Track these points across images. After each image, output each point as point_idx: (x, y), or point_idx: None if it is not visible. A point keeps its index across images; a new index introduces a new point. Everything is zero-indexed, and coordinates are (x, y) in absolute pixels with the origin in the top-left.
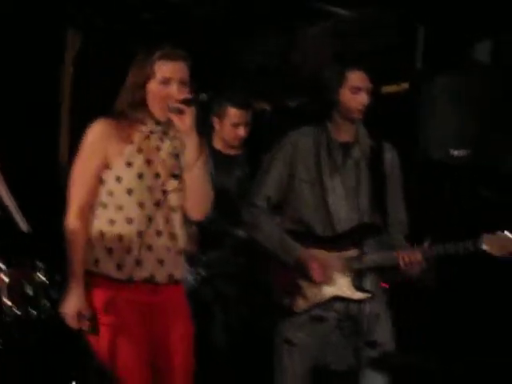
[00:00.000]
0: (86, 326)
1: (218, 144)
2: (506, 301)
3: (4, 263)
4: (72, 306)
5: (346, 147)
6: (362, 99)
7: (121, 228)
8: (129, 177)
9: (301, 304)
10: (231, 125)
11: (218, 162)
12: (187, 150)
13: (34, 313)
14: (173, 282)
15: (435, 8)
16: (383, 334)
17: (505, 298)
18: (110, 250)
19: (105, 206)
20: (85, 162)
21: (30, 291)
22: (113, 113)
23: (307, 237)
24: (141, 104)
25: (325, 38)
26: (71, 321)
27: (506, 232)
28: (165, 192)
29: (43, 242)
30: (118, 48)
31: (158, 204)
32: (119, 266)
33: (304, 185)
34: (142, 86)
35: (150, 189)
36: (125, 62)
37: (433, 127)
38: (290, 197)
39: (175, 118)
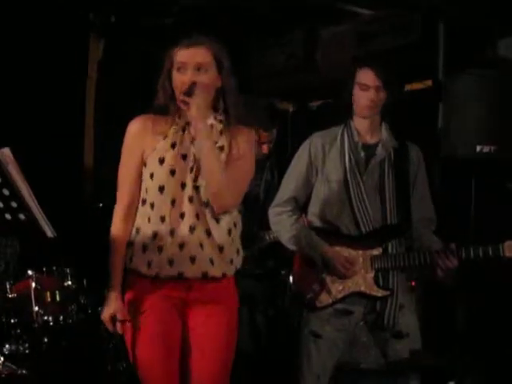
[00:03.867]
0: (120, 329)
1: None
2: None
3: (32, 269)
4: (108, 309)
5: (370, 148)
6: (369, 96)
7: (155, 226)
8: (161, 173)
9: (324, 299)
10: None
11: None
12: (197, 140)
13: (62, 318)
14: (209, 279)
15: (457, 4)
16: (408, 324)
17: None
18: (144, 248)
19: (144, 202)
20: (125, 162)
21: (57, 297)
22: (152, 108)
23: (332, 235)
24: (172, 96)
25: (347, 38)
26: (107, 324)
27: None
28: (197, 187)
29: (71, 247)
30: (140, 52)
31: (190, 200)
32: (149, 264)
33: (329, 185)
34: (168, 78)
35: (183, 184)
36: (147, 66)
37: (458, 123)
38: (315, 196)
39: (185, 108)
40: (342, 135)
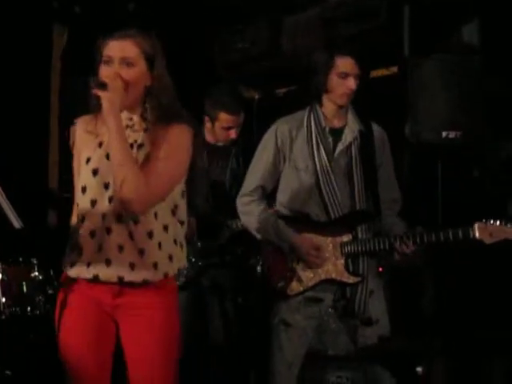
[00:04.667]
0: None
1: (210, 137)
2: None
3: None
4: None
5: (336, 132)
6: (349, 85)
7: (79, 226)
8: (84, 173)
9: (295, 287)
10: (223, 128)
11: (212, 154)
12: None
13: (29, 309)
14: (125, 284)
15: None
16: (377, 310)
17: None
18: (71, 247)
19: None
20: (73, 160)
21: (24, 288)
22: (91, 105)
23: (301, 222)
24: None
25: (313, 24)
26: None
27: (496, 221)
28: None
29: (37, 238)
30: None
31: (110, 200)
32: (72, 265)
33: (297, 172)
34: (97, 71)
35: (106, 185)
36: None
37: (423, 109)
38: (283, 184)
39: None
40: (309, 120)
